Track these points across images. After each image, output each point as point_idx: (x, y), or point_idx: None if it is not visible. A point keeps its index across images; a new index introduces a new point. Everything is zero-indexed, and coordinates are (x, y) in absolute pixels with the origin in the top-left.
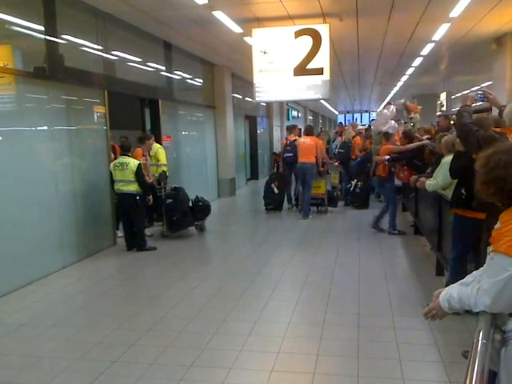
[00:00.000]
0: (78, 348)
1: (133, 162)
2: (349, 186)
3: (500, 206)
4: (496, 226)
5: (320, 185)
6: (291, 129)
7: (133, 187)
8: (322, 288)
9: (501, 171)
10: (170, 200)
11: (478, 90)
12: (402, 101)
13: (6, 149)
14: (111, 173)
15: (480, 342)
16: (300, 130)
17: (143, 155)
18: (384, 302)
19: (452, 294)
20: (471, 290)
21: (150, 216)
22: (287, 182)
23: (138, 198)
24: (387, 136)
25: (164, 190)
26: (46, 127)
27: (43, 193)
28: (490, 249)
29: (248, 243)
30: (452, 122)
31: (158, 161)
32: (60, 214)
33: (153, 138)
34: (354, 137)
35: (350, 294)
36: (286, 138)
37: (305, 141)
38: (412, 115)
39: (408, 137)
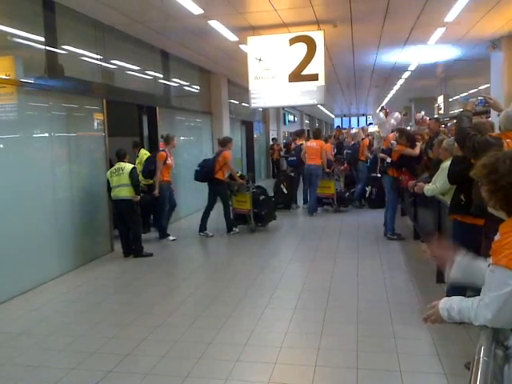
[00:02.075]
0: (73, 358)
1: (128, 166)
2: (363, 189)
3: (505, 214)
4: (496, 238)
5: (330, 185)
6: (300, 133)
7: (128, 192)
8: (319, 295)
9: None
10: (263, 196)
11: (477, 94)
12: (423, 113)
13: (7, 156)
14: (108, 181)
15: (481, 359)
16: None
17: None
18: (384, 309)
19: (452, 304)
20: (472, 302)
21: (147, 221)
22: (295, 183)
23: (134, 204)
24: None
25: (252, 189)
26: (45, 135)
27: (42, 199)
28: (489, 260)
29: (247, 246)
30: (443, 126)
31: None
32: (58, 221)
33: (176, 139)
34: (362, 139)
35: (348, 302)
36: (295, 142)
37: (311, 144)
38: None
39: (411, 140)
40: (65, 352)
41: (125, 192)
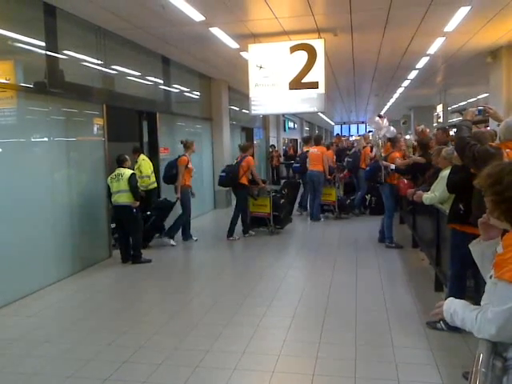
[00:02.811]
0: (69, 365)
1: (127, 172)
2: (363, 197)
3: (510, 226)
4: (498, 251)
5: (331, 192)
6: (307, 140)
7: (127, 198)
8: (318, 304)
9: None
10: (283, 200)
11: (477, 104)
12: (422, 126)
13: (6, 161)
14: (108, 186)
15: (480, 370)
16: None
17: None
18: (382, 318)
19: (456, 310)
20: (476, 315)
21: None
22: (298, 189)
23: (134, 210)
24: (393, 142)
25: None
26: (44, 139)
27: (40, 204)
28: (491, 272)
29: (247, 251)
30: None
31: (141, 172)
32: (56, 226)
33: (195, 144)
34: (364, 147)
35: (346, 310)
36: (301, 149)
37: (313, 151)
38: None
39: (423, 146)
40: (61, 359)
41: (123, 198)
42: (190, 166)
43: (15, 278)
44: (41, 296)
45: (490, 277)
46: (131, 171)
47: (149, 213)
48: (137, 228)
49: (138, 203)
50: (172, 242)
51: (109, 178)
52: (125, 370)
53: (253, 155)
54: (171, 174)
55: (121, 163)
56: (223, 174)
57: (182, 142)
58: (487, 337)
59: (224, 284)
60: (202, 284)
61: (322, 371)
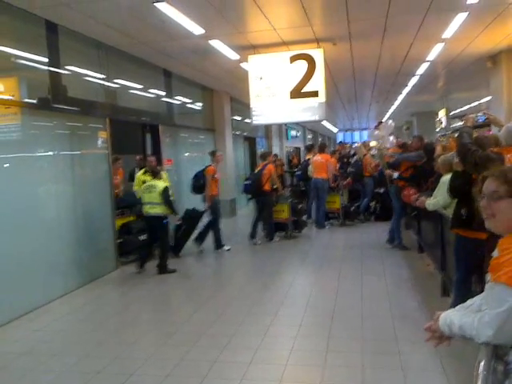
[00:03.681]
0: (77, 378)
1: (160, 185)
2: (368, 203)
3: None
4: (494, 254)
5: (335, 200)
6: (310, 148)
7: (159, 210)
8: (324, 311)
9: None
10: (302, 205)
11: (478, 108)
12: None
13: (11, 175)
14: (140, 196)
15: (481, 374)
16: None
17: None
18: (389, 325)
19: (453, 320)
20: (473, 320)
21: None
22: (303, 196)
23: (164, 221)
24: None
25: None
26: (49, 153)
27: (46, 218)
28: (488, 276)
29: (255, 259)
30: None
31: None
32: (62, 239)
33: (218, 153)
34: (364, 155)
35: (353, 317)
36: (305, 157)
37: (317, 159)
38: None
39: (428, 153)
40: (69, 373)
41: (156, 210)
42: (216, 175)
43: (22, 292)
44: (47, 310)
45: (487, 281)
46: (165, 184)
47: (179, 222)
48: (164, 238)
49: (179, 216)
50: (226, 247)
51: (141, 188)
52: (131, 382)
53: (257, 164)
54: (199, 184)
55: (156, 174)
56: (249, 181)
57: (210, 154)
58: (485, 339)
59: (231, 293)
60: (209, 293)
61: (329, 379)
